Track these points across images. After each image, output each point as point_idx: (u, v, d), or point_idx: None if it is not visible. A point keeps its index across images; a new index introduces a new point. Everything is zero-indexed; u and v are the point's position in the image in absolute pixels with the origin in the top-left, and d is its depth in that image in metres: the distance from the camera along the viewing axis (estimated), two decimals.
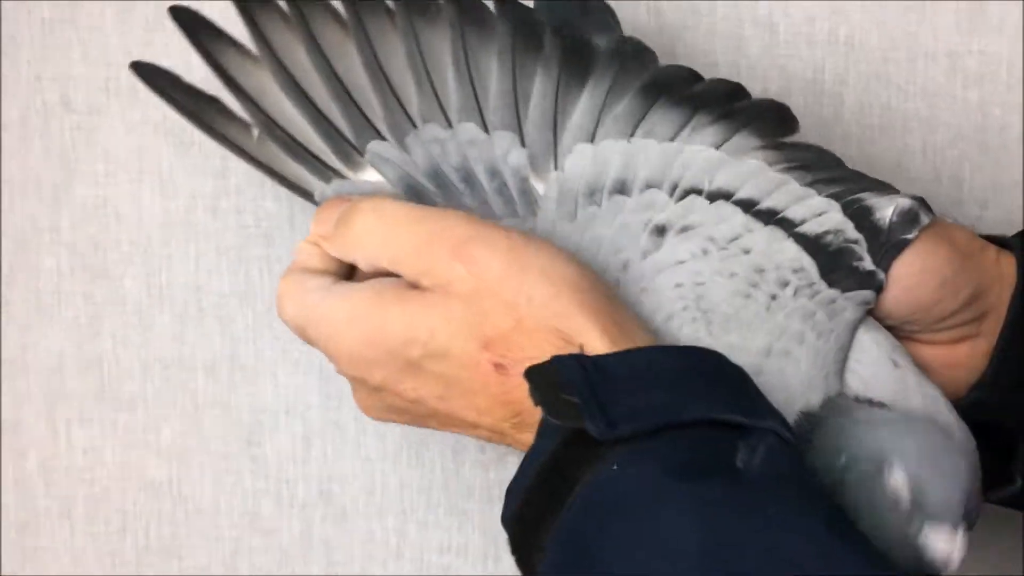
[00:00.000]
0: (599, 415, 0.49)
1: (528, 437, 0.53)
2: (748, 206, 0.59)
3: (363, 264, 0.59)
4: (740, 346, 0.56)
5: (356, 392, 0.60)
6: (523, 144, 0.60)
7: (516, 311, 0.54)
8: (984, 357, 0.60)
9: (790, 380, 0.56)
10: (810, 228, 0.59)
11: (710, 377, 0.53)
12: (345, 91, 0.61)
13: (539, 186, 0.60)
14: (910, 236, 0.58)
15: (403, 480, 0.72)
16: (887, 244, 0.58)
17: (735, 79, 0.70)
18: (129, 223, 0.70)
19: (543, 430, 0.52)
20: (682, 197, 0.59)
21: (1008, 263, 0.60)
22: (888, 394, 0.57)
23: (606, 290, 0.56)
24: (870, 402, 0.57)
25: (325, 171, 0.61)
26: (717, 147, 0.60)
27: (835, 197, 0.59)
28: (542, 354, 0.53)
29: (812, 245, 0.59)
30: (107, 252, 0.70)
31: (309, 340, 0.59)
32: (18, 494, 0.71)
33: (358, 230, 0.58)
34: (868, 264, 0.58)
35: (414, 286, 0.56)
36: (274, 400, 0.71)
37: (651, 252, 0.58)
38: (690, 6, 0.70)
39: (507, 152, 0.60)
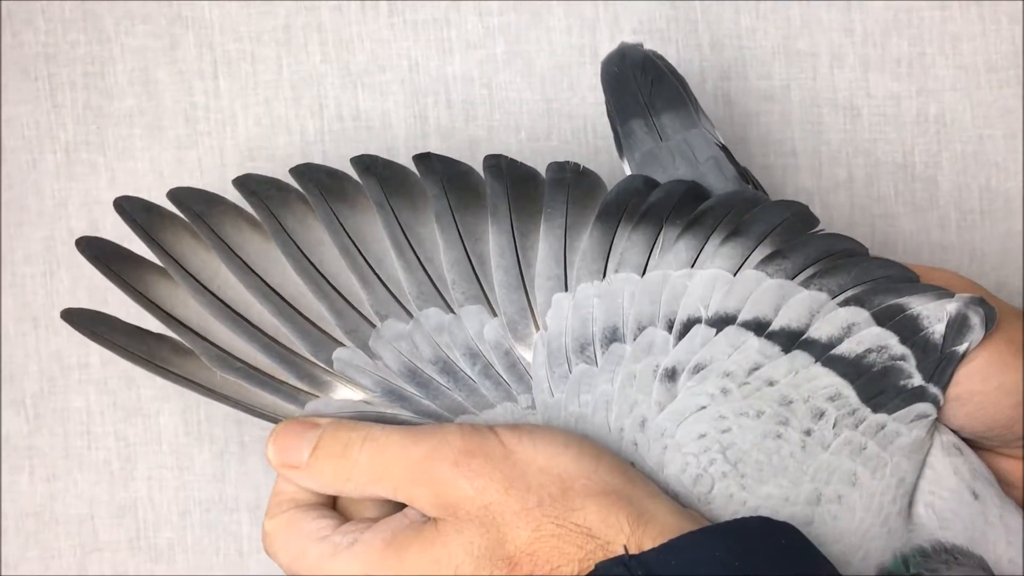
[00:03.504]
0: None
1: None
2: (759, 328, 0.52)
3: (353, 495, 0.54)
4: (780, 496, 0.51)
5: None
6: (494, 313, 0.54)
7: (531, 519, 0.51)
8: None
9: (844, 529, 0.51)
10: (846, 349, 0.52)
11: (760, 556, 0.48)
12: (286, 304, 0.55)
13: (526, 354, 0.54)
14: (966, 347, 0.52)
15: None
16: (944, 359, 0.52)
17: (816, 167, 0.65)
18: None
19: None
20: (683, 332, 0.53)
21: None
22: (965, 531, 0.51)
23: (614, 464, 0.52)
24: (944, 549, 0.51)
25: (297, 394, 0.55)
26: (692, 263, 0.53)
27: (859, 302, 0.52)
28: (569, 560, 0.50)
29: (851, 369, 0.52)
30: (140, 389, 0.65)
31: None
32: None
33: (347, 461, 0.53)
34: (917, 380, 0.52)
35: (420, 515, 0.53)
36: None
37: (667, 403, 0.52)
38: (762, 91, 0.65)
39: (480, 328, 0.54)
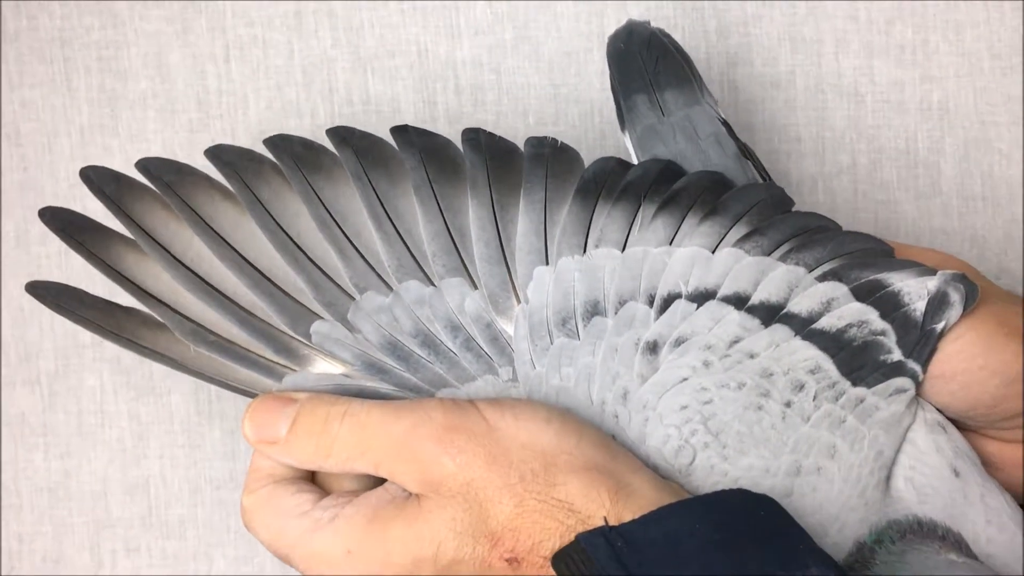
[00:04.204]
0: None
1: None
2: (739, 302, 0.53)
3: (332, 470, 0.54)
4: (761, 468, 0.51)
5: None
6: (475, 287, 0.54)
7: (514, 495, 0.51)
8: None
9: (823, 500, 0.51)
10: (827, 324, 0.52)
11: (740, 528, 0.49)
12: (262, 276, 0.55)
13: (507, 327, 0.54)
14: (944, 325, 0.52)
15: None
16: (924, 336, 0.52)
17: (820, 153, 0.66)
18: None
19: None
20: (663, 306, 0.53)
21: None
22: (944, 508, 0.52)
23: (595, 438, 0.52)
24: (920, 524, 0.51)
25: (274, 368, 0.55)
26: (670, 240, 0.54)
27: (837, 276, 0.53)
28: (551, 535, 0.50)
29: (831, 343, 0.52)
30: (152, 368, 0.66)
31: (293, 566, 0.54)
32: None
33: (327, 437, 0.53)
34: (897, 356, 0.52)
35: (401, 490, 0.53)
36: None
37: (648, 375, 0.53)
38: (768, 78, 0.66)
39: (461, 301, 0.54)
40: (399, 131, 0.56)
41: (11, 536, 0.66)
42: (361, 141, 0.55)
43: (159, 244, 0.55)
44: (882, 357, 0.52)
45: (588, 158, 0.56)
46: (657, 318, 0.53)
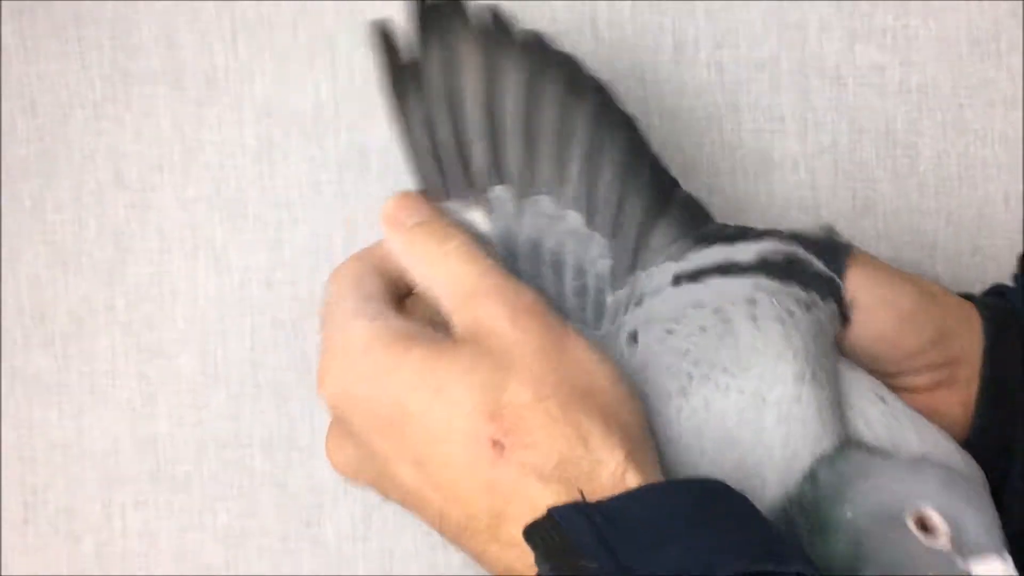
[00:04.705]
0: None
1: (498, 550, 0.49)
2: (676, 280, 0.56)
3: (417, 279, 0.55)
4: (772, 377, 0.53)
5: (330, 433, 0.55)
6: (610, 255, 0.57)
7: (543, 388, 0.50)
8: (960, 407, 0.57)
9: (820, 409, 0.53)
10: (749, 258, 0.56)
11: (720, 510, 0.48)
12: (495, 130, 0.57)
13: (609, 300, 0.57)
14: (849, 254, 0.57)
15: (466, 558, 0.69)
16: (836, 267, 0.57)
17: (803, 133, 0.68)
18: (184, 300, 0.69)
19: None
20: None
21: (971, 310, 0.58)
22: (884, 431, 0.54)
23: (642, 420, 0.52)
24: (853, 443, 0.53)
25: (446, 189, 0.58)
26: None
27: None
28: (549, 447, 0.48)
29: (761, 266, 0.56)
30: (162, 330, 0.69)
31: (322, 331, 0.55)
32: None
33: (439, 248, 0.55)
34: (824, 267, 0.56)
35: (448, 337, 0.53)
36: (332, 478, 0.68)
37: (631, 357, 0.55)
38: (753, 60, 0.68)
39: (597, 258, 0.57)
40: None
41: (26, 489, 0.69)
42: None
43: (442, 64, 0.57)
44: (813, 270, 0.56)
45: None
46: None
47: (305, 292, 0.68)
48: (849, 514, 0.50)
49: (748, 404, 0.53)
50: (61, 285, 0.69)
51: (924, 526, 0.50)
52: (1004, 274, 0.68)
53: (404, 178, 0.59)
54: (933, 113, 0.68)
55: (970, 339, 0.58)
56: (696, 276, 0.56)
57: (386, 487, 0.53)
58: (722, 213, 0.68)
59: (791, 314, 0.54)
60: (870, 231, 0.69)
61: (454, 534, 0.51)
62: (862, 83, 0.68)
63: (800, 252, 0.57)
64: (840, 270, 0.56)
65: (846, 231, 0.67)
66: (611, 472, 0.49)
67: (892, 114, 0.68)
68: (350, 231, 0.68)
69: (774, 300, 0.55)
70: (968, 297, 0.60)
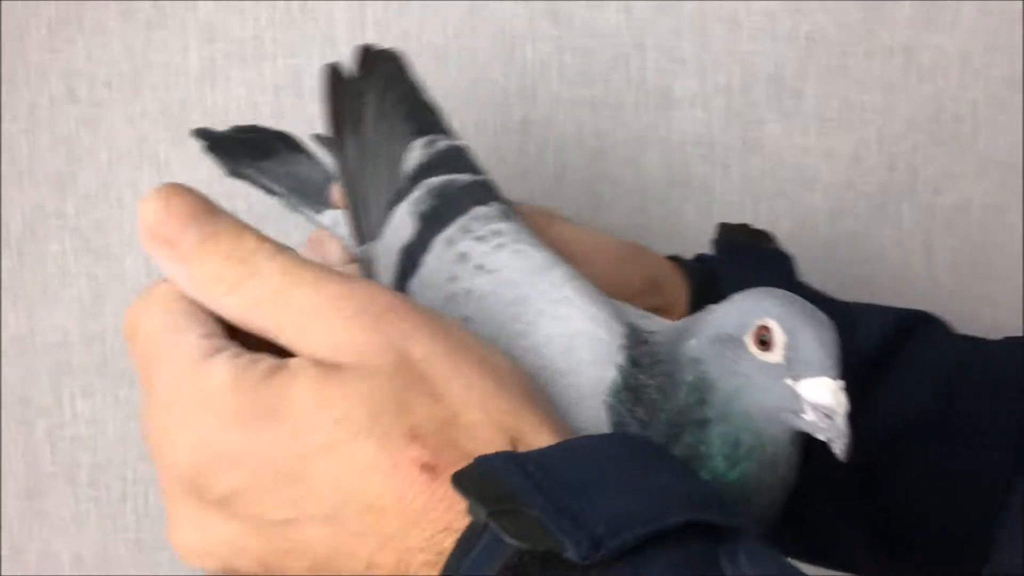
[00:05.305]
0: (576, 531, 0.39)
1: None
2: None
3: (226, 312, 0.44)
4: (547, 284, 0.52)
5: (176, 515, 0.43)
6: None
7: (449, 402, 0.42)
8: None
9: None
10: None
11: (660, 468, 0.44)
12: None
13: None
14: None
15: None
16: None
17: (702, 73, 0.74)
18: (130, 208, 0.74)
19: (469, 556, 0.39)
20: None
21: (675, 267, 0.61)
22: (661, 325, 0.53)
23: (534, 382, 0.46)
24: (636, 330, 0.51)
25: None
26: None
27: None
28: (486, 452, 0.41)
29: (438, 214, 0.54)
30: (109, 235, 0.74)
31: (147, 387, 0.44)
32: (26, 462, 0.76)
33: (246, 268, 0.43)
34: (468, 176, 0.55)
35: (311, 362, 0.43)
36: None
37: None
38: (658, 4, 0.74)
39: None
40: None
41: None
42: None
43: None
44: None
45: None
46: None
47: (242, 205, 0.73)
48: (693, 342, 0.49)
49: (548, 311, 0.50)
50: (16, 193, 0.74)
51: (763, 341, 0.48)
52: (874, 205, 0.75)
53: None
54: (819, 59, 0.75)
55: (677, 291, 0.60)
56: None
57: (286, 562, 0.42)
58: (626, 145, 0.75)
59: (498, 233, 0.53)
60: (756, 167, 0.75)
61: None
62: (756, 28, 0.74)
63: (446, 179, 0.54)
64: (478, 171, 0.55)
65: (736, 167, 0.75)
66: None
67: (782, 59, 0.75)
68: None
69: (480, 227, 0.53)
70: (672, 259, 0.63)
